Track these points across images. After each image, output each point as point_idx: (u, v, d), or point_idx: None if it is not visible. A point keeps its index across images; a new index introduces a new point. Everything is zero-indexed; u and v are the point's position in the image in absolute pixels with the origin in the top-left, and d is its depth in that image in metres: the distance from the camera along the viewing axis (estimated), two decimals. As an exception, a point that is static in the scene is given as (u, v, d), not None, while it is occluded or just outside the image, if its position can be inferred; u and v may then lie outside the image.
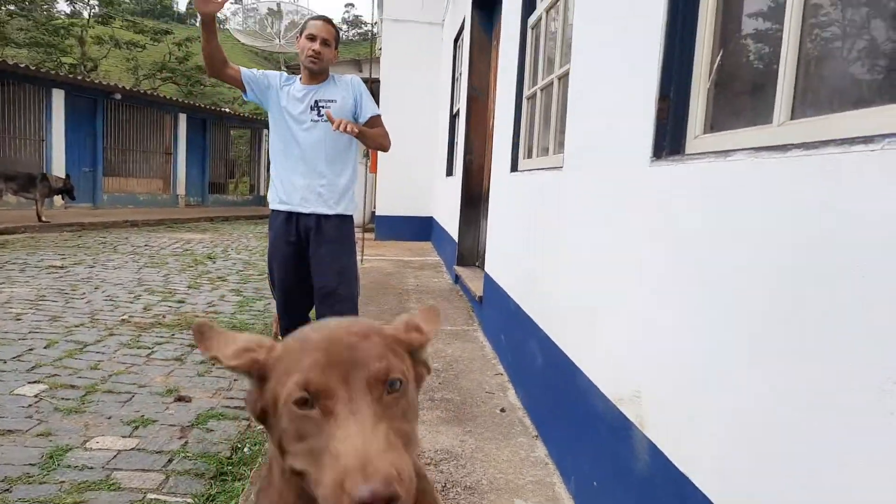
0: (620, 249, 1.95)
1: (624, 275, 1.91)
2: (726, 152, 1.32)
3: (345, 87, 2.75)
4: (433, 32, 10.28)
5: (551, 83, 3.18)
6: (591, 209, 2.27)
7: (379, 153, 10.10)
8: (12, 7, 21.84)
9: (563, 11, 3.04)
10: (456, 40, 8.13)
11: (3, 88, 13.45)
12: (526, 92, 3.77)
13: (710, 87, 1.56)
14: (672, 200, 1.58)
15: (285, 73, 2.84)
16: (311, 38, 2.66)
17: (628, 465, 1.79)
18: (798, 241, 1.09)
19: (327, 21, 2.72)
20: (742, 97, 1.53)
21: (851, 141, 0.98)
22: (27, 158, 13.81)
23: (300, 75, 2.76)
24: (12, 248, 8.29)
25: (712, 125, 1.57)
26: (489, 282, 4.49)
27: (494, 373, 3.70)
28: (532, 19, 3.68)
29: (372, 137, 2.72)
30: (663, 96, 1.64)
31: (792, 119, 1.22)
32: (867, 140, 0.95)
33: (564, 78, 2.88)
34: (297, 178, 2.72)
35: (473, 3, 6.14)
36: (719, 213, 1.35)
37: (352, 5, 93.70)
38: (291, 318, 2.92)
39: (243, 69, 2.76)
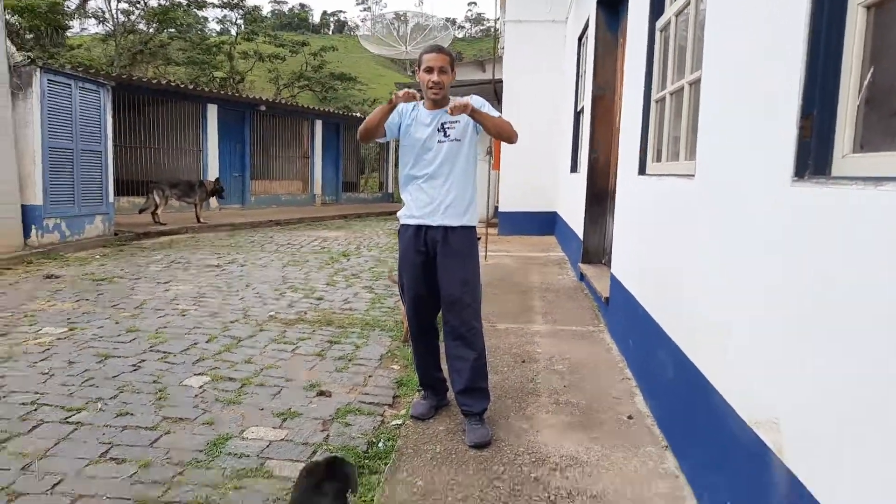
0: (756, 269, 1.87)
1: (759, 296, 1.83)
2: (877, 180, 1.24)
3: None
4: (556, 30, 10.16)
5: (681, 88, 3.07)
6: (725, 224, 2.19)
7: (502, 147, 10.24)
8: (172, 30, 24.37)
9: (693, 15, 2.93)
10: (580, 38, 7.99)
11: (167, 106, 15.11)
12: (654, 95, 3.66)
13: (859, 104, 1.46)
14: (815, 225, 1.50)
15: (411, 104, 2.97)
16: (429, 70, 2.82)
17: (765, 491, 1.73)
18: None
19: (440, 50, 2.87)
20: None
21: None
22: (186, 167, 15.43)
23: (423, 101, 2.92)
24: (177, 247, 9.33)
25: (862, 144, 1.47)
26: (616, 284, 4.41)
27: (621, 377, 3.64)
28: (660, 22, 3.56)
29: (490, 118, 2.78)
30: (806, 114, 1.55)
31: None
32: None
33: (696, 84, 2.77)
34: (427, 195, 2.89)
35: (598, 2, 6.01)
36: (867, 245, 1.28)
37: (474, 3, 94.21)
38: (420, 322, 3.09)
39: None
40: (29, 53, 8.80)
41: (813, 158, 1.57)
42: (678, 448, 2.64)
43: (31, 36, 19.35)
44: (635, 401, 3.29)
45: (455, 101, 2.65)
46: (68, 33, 23.35)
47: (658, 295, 3.17)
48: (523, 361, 3.88)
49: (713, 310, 2.28)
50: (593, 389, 3.43)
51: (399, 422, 3.04)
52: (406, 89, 2.73)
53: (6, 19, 8.82)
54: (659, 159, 3.58)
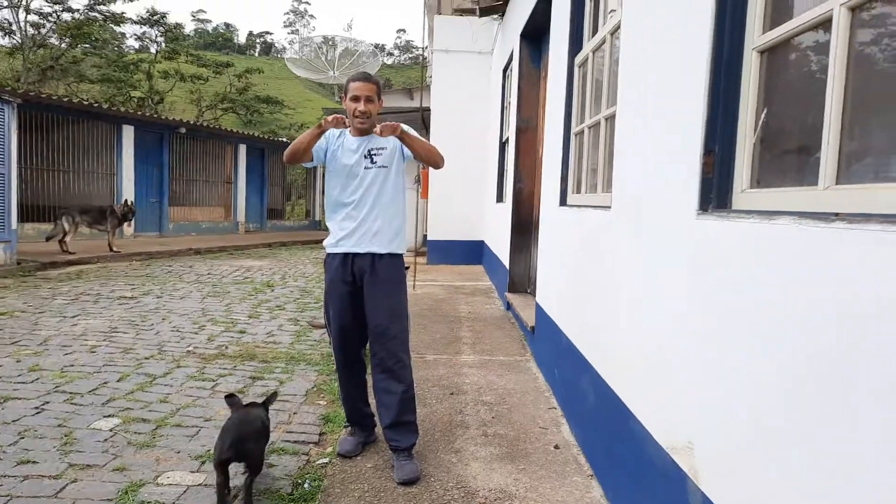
0: (669, 298, 1.96)
1: (672, 324, 1.92)
2: (771, 214, 1.33)
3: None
4: (483, 61, 10.44)
5: (598, 122, 3.21)
6: (640, 253, 2.28)
7: (430, 176, 10.34)
8: (87, 46, 23.32)
9: (609, 53, 3.08)
10: (505, 70, 8.24)
11: (79, 126, 14.35)
12: (574, 128, 3.80)
13: (755, 142, 1.57)
14: (718, 255, 1.59)
15: (338, 130, 2.97)
16: (356, 98, 2.81)
17: (683, 515, 1.78)
18: (842, 322, 1.09)
19: (367, 79, 2.87)
20: (788, 155, 1.54)
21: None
22: (99, 191, 14.64)
23: (349, 128, 2.90)
24: (87, 278, 8.79)
25: (759, 180, 1.58)
26: (541, 313, 4.50)
27: (548, 406, 3.69)
28: (579, 58, 3.72)
29: (418, 140, 2.79)
30: (708, 151, 1.66)
31: (837, 184, 1.22)
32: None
33: (611, 119, 2.91)
34: (354, 222, 2.86)
35: (521, 36, 6.23)
36: (764, 274, 1.36)
37: (403, 31, 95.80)
38: (346, 354, 3.03)
39: None
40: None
41: (715, 193, 1.67)
42: (603, 476, 2.69)
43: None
44: (562, 430, 3.34)
45: (381, 127, 2.64)
46: (-32, 45, 21.96)
47: (579, 323, 3.25)
48: (452, 393, 3.87)
49: (629, 337, 2.36)
50: (521, 420, 3.46)
51: (325, 460, 2.95)
52: (336, 115, 2.71)
53: None
54: (579, 191, 3.71)
